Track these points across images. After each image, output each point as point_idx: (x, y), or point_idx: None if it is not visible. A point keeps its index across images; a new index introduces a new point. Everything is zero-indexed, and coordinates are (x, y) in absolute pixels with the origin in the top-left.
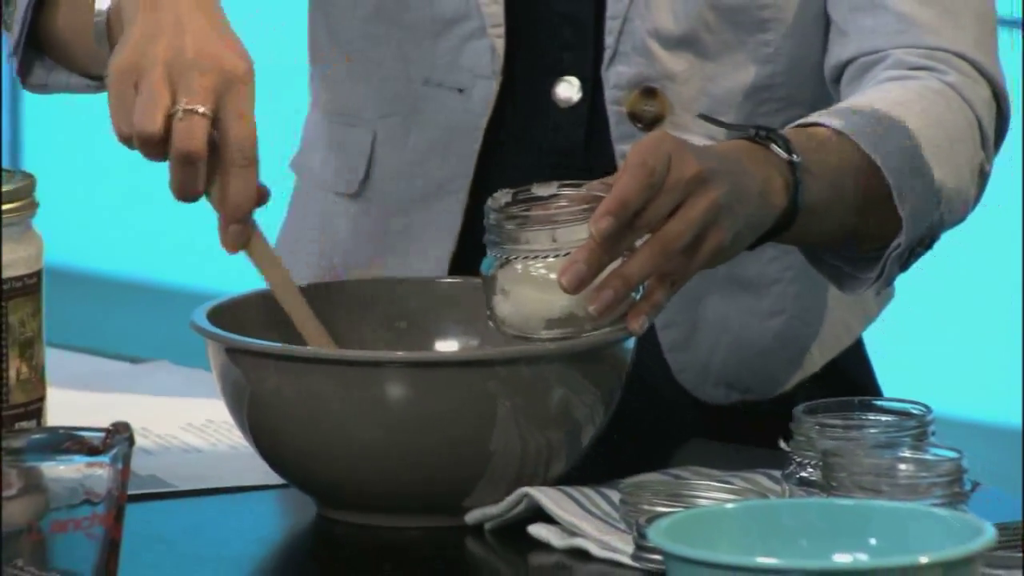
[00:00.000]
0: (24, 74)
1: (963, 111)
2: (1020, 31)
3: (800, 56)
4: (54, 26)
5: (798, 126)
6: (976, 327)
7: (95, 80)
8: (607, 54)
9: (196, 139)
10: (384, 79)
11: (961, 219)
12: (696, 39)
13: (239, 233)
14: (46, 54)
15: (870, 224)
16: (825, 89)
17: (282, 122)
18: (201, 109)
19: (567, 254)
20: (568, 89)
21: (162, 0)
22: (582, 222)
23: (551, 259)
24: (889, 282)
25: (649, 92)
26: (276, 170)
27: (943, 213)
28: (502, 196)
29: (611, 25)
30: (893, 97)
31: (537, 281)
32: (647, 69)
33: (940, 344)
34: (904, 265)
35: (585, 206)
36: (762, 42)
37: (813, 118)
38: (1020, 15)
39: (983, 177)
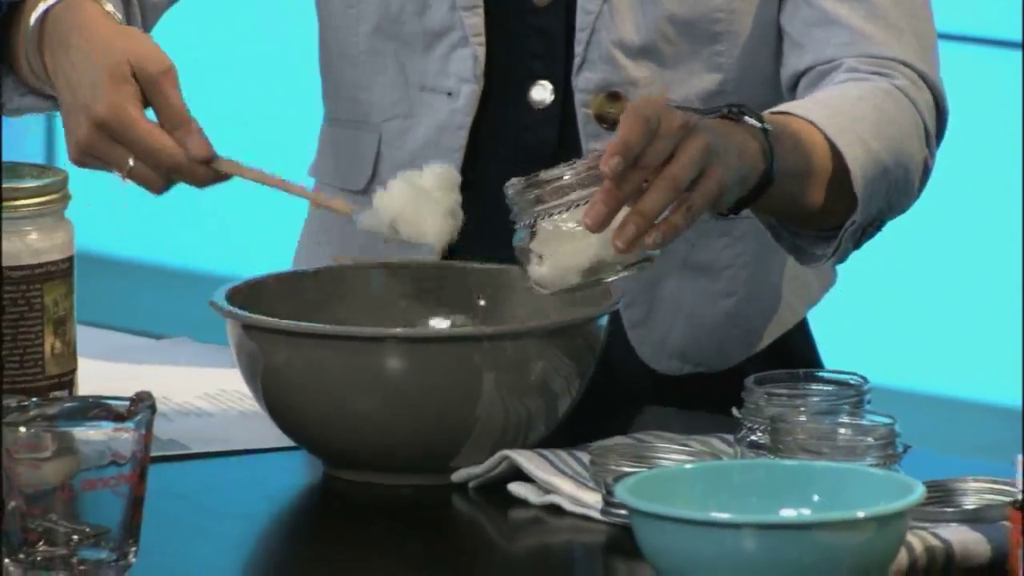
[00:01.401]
0: None
1: (910, 111)
2: (1021, 52)
3: (749, 65)
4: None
5: (774, 111)
6: (906, 307)
7: (45, 98)
8: (576, 62)
9: (152, 183)
10: (385, 86)
11: (907, 208)
12: (656, 49)
13: (206, 172)
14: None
15: (831, 201)
16: (772, 95)
17: (299, 135)
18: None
19: (586, 202)
20: (542, 92)
21: (58, 52)
22: (593, 179)
23: (573, 211)
24: (843, 258)
25: (614, 96)
26: (285, 163)
27: (891, 200)
28: (518, 181)
29: (580, 36)
30: (852, 94)
31: (565, 234)
32: (612, 75)
33: (876, 323)
34: (856, 244)
35: (592, 164)
36: (715, 52)
37: (781, 108)
38: (1020, 37)
39: (926, 171)
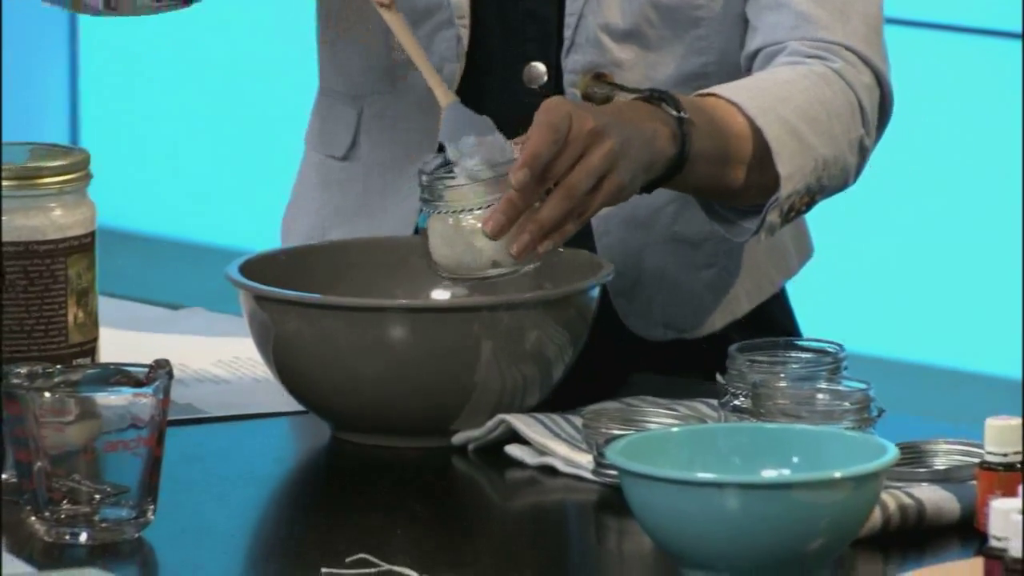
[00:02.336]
0: None
1: (844, 92)
2: (1021, 43)
3: (728, 49)
4: None
5: (696, 95)
6: (881, 279)
7: None
8: (566, 44)
9: None
10: (371, 61)
11: (843, 185)
12: (640, 33)
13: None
14: None
15: (753, 179)
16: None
17: (300, 104)
18: None
19: (489, 207)
20: (536, 73)
21: None
22: (498, 182)
23: (476, 212)
24: (771, 231)
25: (600, 76)
26: (294, 144)
27: (821, 177)
28: (432, 161)
29: (569, 20)
30: (781, 77)
31: (466, 231)
32: (598, 58)
33: (852, 293)
34: (785, 219)
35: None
36: (696, 36)
37: (709, 90)
38: (1021, 28)
39: (863, 150)
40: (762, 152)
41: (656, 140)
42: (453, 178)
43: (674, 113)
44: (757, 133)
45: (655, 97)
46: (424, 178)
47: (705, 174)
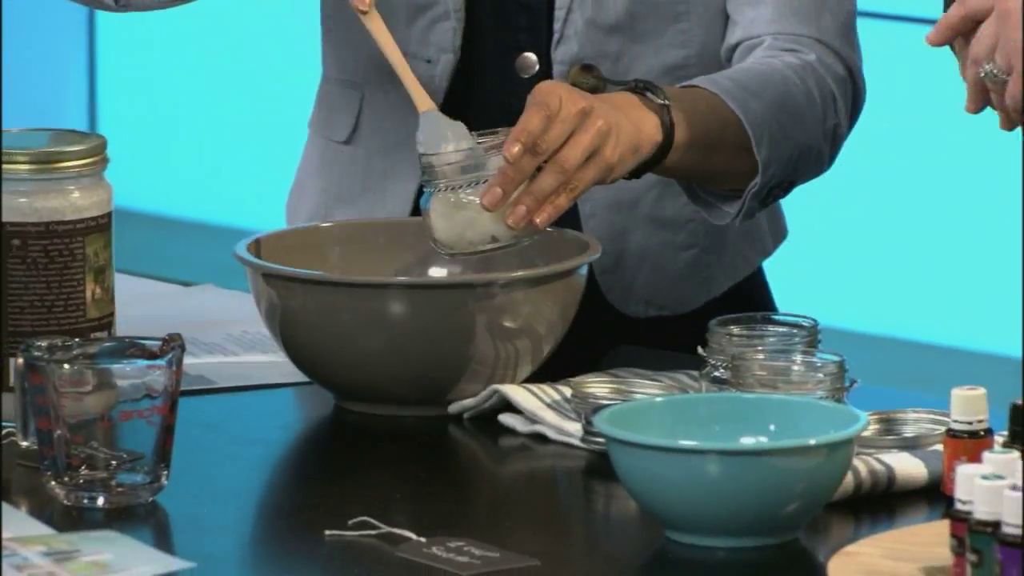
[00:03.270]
0: None
1: (818, 84)
2: None
3: (709, 42)
4: None
5: (683, 85)
6: (852, 256)
7: None
8: (555, 37)
9: None
10: (372, 50)
11: (818, 172)
12: (626, 26)
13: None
14: None
15: (734, 166)
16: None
17: (305, 91)
18: None
19: (486, 182)
20: (527, 63)
21: None
22: (495, 156)
23: (474, 187)
24: (751, 215)
25: (588, 67)
26: (299, 129)
27: (797, 164)
28: (424, 145)
29: (558, 14)
30: (760, 70)
31: (465, 207)
32: (586, 49)
33: (825, 271)
34: (763, 203)
35: (497, 142)
36: (679, 30)
37: (692, 81)
38: None
39: (837, 138)
40: (742, 140)
41: (643, 125)
42: (450, 156)
43: (659, 101)
44: (738, 122)
45: (640, 87)
46: (424, 159)
47: (688, 160)
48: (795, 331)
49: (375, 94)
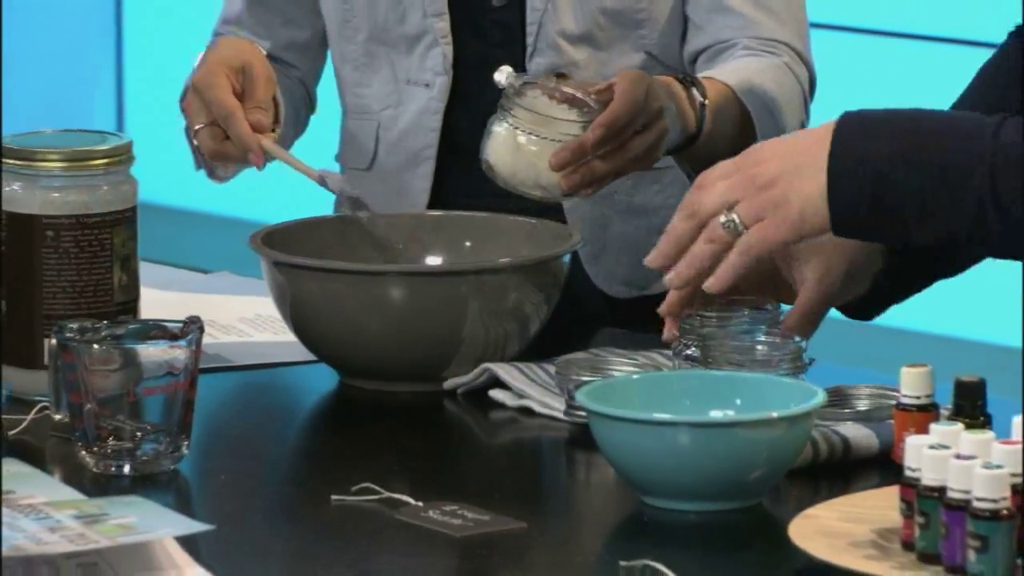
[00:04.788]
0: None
1: (793, 82)
2: None
3: (667, 45)
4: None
5: (706, 77)
6: None
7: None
8: (528, 49)
9: (207, 145)
10: (380, 83)
11: None
12: (592, 36)
13: (245, 133)
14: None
15: (733, 151)
16: (683, 68)
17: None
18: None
19: (556, 141)
20: (503, 75)
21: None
22: (571, 120)
23: (542, 139)
24: None
25: (561, 76)
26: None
27: None
28: (516, 79)
29: (530, 28)
30: (755, 67)
31: (530, 151)
32: (557, 59)
33: None
34: None
35: (569, 106)
36: (639, 36)
37: (712, 73)
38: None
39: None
40: (748, 130)
41: (686, 122)
42: (535, 103)
43: (699, 99)
44: (744, 112)
45: (688, 80)
46: (510, 90)
47: (707, 149)
48: (759, 314)
49: (388, 122)
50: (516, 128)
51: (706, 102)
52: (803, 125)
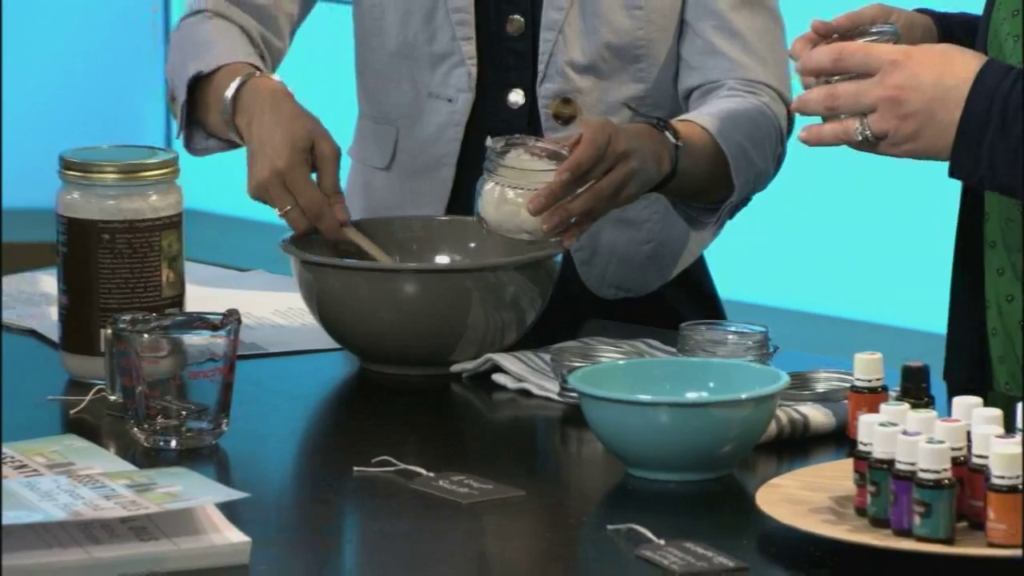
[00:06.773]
0: (188, 145)
1: (770, 120)
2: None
3: (662, 79)
4: (204, 118)
5: (681, 120)
6: (774, 243)
7: (224, 141)
8: (539, 76)
9: (298, 224)
10: (403, 93)
11: (764, 188)
12: (596, 67)
13: (337, 230)
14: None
15: (714, 186)
16: (677, 100)
17: (343, 124)
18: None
19: (533, 189)
20: (516, 96)
21: (254, 116)
22: (547, 169)
23: (523, 190)
24: (722, 224)
25: (566, 100)
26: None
27: (756, 185)
28: (498, 142)
29: (541, 57)
30: (733, 108)
31: (513, 202)
32: (564, 85)
33: (753, 255)
34: (731, 215)
35: (548, 159)
36: (639, 69)
37: (691, 117)
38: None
39: (778, 162)
40: (720, 166)
41: (661, 162)
42: (515, 160)
43: (673, 142)
44: (719, 152)
45: (660, 125)
46: (491, 153)
47: (684, 185)
48: (747, 334)
49: (408, 129)
50: (498, 184)
51: (679, 144)
52: (780, 155)
